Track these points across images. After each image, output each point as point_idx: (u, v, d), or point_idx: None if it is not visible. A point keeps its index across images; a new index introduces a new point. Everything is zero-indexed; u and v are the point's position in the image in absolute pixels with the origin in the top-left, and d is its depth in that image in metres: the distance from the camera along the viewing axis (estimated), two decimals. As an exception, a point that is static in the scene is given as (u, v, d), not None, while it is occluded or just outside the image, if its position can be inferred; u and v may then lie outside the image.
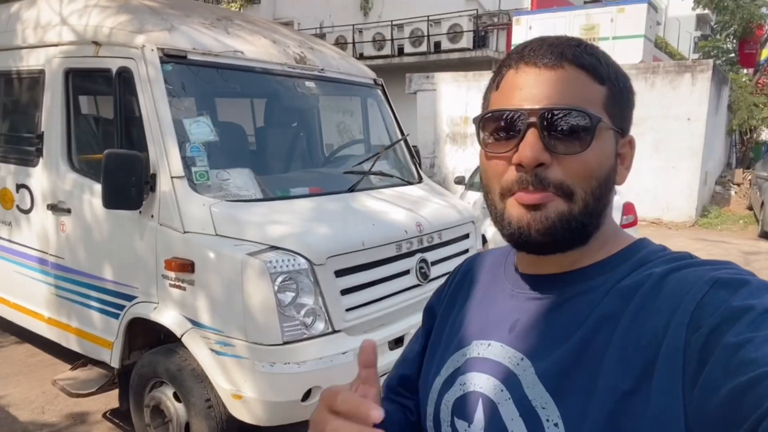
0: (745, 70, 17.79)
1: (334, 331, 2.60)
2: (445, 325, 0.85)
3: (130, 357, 3.08)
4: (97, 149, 3.17)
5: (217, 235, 2.59)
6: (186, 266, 2.57)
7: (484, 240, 6.25)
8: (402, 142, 4.16)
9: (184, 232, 2.62)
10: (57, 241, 3.26)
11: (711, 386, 0.51)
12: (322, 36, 19.19)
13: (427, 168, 12.50)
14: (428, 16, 17.07)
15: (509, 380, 0.69)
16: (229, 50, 3.08)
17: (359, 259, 2.74)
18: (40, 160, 3.29)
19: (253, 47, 3.24)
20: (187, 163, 2.71)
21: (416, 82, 12.84)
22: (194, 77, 2.92)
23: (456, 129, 12.68)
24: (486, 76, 12.44)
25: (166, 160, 2.67)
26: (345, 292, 2.68)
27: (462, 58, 16.53)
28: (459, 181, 7.95)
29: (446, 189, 10.66)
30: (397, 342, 2.92)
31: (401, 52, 17.80)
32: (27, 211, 3.44)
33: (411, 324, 2.99)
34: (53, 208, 3.21)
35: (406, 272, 3.05)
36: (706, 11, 17.59)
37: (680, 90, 10.99)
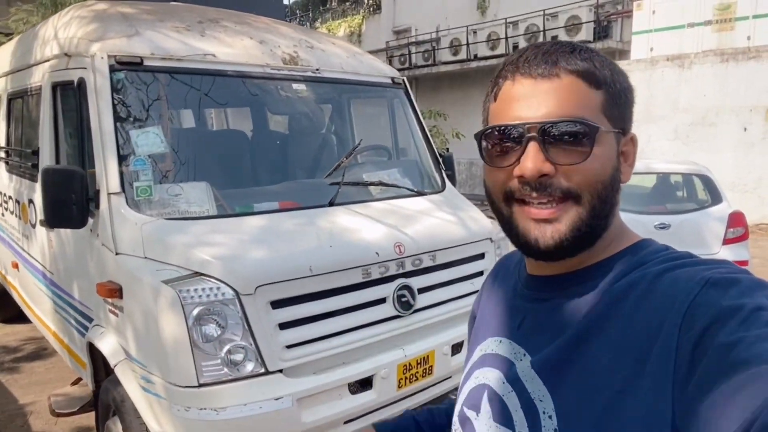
0: None
1: (268, 372, 2.22)
2: (474, 325, 0.93)
3: (107, 378, 2.95)
4: (79, 164, 3.09)
5: (145, 257, 2.34)
6: (114, 291, 2.35)
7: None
8: (426, 147, 3.68)
9: (117, 254, 2.40)
10: (49, 257, 3.24)
11: (703, 386, 0.52)
12: (437, 41, 18.99)
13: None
14: (544, 10, 16.10)
15: (513, 375, 0.73)
16: (197, 53, 2.83)
17: (306, 287, 2.34)
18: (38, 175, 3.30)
19: (229, 49, 2.97)
20: (130, 177, 2.49)
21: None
22: (152, 84, 2.71)
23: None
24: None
25: (104, 175, 2.47)
26: (285, 326, 2.29)
27: None
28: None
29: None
30: (363, 384, 2.47)
31: (516, 50, 17.00)
32: (34, 226, 3.48)
33: (384, 362, 2.52)
34: (42, 223, 3.19)
35: (381, 301, 2.58)
36: None
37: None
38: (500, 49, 17.40)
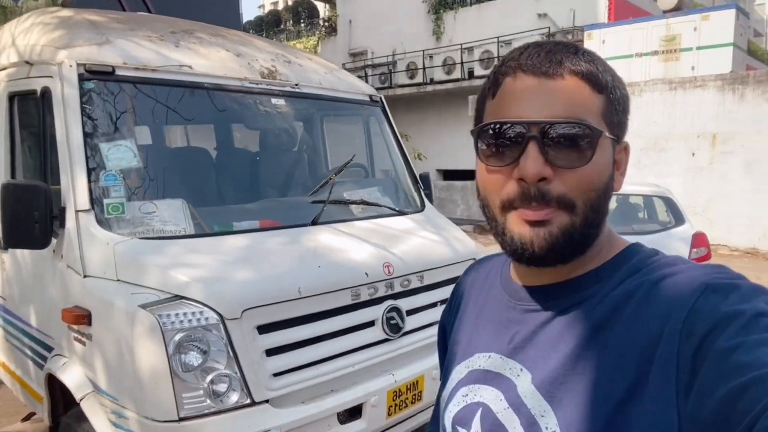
0: None
1: (254, 403, 2.06)
2: (451, 339, 0.87)
3: (67, 413, 2.69)
4: (40, 179, 2.86)
5: (118, 280, 2.15)
6: (81, 317, 2.15)
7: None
8: (404, 166, 3.62)
9: (85, 276, 2.21)
10: (1, 280, 2.98)
11: (705, 391, 0.52)
12: (393, 64, 19.23)
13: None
14: (498, 37, 16.56)
15: (510, 391, 0.70)
16: (172, 64, 2.69)
17: (295, 311, 2.20)
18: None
19: (205, 61, 2.83)
20: (100, 193, 2.31)
21: (476, 103, 12.22)
22: (124, 95, 2.54)
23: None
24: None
25: (72, 191, 2.28)
26: (272, 352, 2.14)
27: None
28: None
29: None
30: (352, 413, 2.33)
31: (471, 75, 17.54)
32: (-16, 247, 3.20)
33: (374, 388, 2.40)
34: (-5, 244, 2.93)
35: (370, 324, 2.47)
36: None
37: (776, 101, 9.64)
38: (456, 74, 17.86)
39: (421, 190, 3.57)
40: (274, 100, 3.05)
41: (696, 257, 4.84)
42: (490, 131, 0.68)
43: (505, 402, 0.70)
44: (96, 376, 2.15)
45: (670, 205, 5.21)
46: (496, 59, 16.68)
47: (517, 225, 0.67)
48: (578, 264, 0.70)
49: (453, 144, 15.93)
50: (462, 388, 0.78)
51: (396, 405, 2.49)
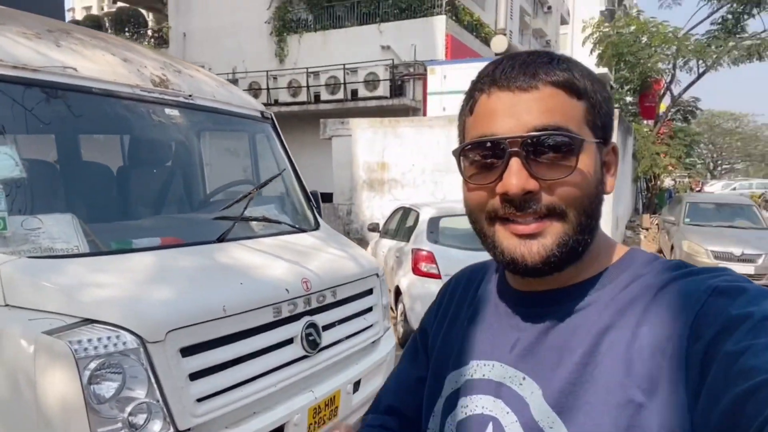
0: (645, 122, 18.79)
1: (178, 433, 1.89)
2: (439, 345, 0.84)
3: None
4: None
5: (6, 305, 1.85)
6: (-44, 353, 1.80)
7: (398, 292, 5.69)
8: (297, 184, 3.59)
9: (-42, 304, 1.86)
10: None
11: (713, 395, 0.51)
12: (234, 82, 18.77)
13: (344, 215, 11.96)
14: (344, 65, 17.02)
15: (514, 402, 0.68)
16: (55, 65, 2.40)
17: (219, 330, 2.07)
18: None
19: (91, 64, 2.57)
20: (-25, 207, 1.97)
21: (331, 127, 12.41)
22: (2, 96, 2.22)
23: (373, 175, 12.28)
24: (402, 123, 12.27)
25: (-62, 204, 1.93)
26: (195, 376, 1.98)
27: (379, 105, 16.49)
28: (373, 228, 7.41)
29: (363, 236, 10.12)
30: (275, 434, 2.23)
31: (318, 99, 17.80)
32: None
33: (296, 407, 2.32)
34: None
35: (289, 341, 2.39)
36: (605, 70, 18.47)
37: (590, 137, 11.26)
38: (302, 97, 17.83)
39: (314, 207, 3.57)
40: (167, 111, 2.86)
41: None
42: (471, 150, 0.67)
43: (513, 415, 0.67)
44: (-25, 421, 1.81)
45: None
46: (342, 85, 17.10)
47: (505, 238, 0.66)
48: (577, 270, 0.69)
49: (300, 165, 15.95)
50: (461, 398, 0.74)
51: (315, 422, 2.43)
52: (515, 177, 0.63)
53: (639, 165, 15.48)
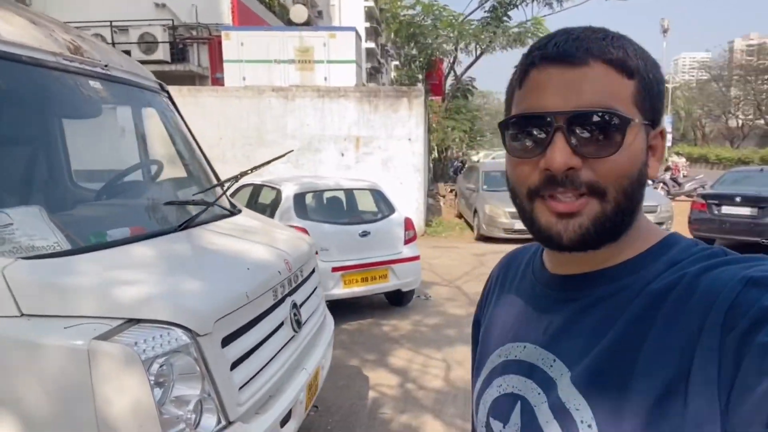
0: (434, 98, 20.70)
1: (229, 423, 1.84)
2: (484, 328, 0.86)
3: None
4: None
5: (23, 315, 1.58)
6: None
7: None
8: (207, 163, 3.41)
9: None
10: None
11: (745, 387, 0.51)
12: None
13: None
14: (111, 22, 14.96)
15: (544, 382, 0.69)
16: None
17: (245, 317, 2.02)
18: None
19: (8, 26, 2.16)
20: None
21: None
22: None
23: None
24: (205, 93, 11.58)
25: None
26: (234, 365, 1.93)
27: (160, 71, 14.79)
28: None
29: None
30: (284, 420, 2.25)
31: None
32: None
33: (299, 386, 2.37)
34: None
35: (282, 323, 2.40)
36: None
37: (400, 113, 12.11)
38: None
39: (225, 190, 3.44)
40: (91, 83, 2.53)
41: (408, 238, 5.91)
42: (516, 124, 0.67)
43: (543, 395, 0.69)
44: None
45: (383, 196, 6.16)
46: (111, 45, 15.20)
47: (543, 215, 0.66)
48: (612, 252, 0.69)
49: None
50: (497, 378, 0.77)
51: (308, 398, 2.50)
52: (559, 153, 0.62)
53: (432, 138, 17.09)
